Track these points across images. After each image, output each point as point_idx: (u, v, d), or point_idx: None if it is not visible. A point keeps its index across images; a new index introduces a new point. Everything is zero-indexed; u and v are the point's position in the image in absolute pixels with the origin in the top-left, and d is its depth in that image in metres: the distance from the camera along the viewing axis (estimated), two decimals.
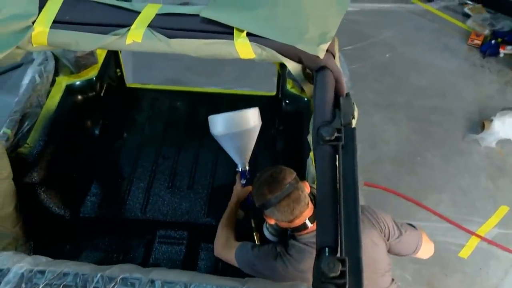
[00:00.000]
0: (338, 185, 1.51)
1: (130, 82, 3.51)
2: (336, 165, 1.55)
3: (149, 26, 1.84)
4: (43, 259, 1.63)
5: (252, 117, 2.38)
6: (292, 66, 1.83)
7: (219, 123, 2.36)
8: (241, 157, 2.44)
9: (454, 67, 5.06)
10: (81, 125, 2.97)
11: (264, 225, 2.17)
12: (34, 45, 1.87)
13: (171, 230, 2.72)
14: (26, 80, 2.75)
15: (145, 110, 3.27)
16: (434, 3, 5.90)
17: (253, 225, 2.36)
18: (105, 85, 3.05)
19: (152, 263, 2.62)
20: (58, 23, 1.85)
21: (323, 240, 1.40)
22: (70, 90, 2.86)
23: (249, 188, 2.38)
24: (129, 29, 1.82)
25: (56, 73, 2.86)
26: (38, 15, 1.86)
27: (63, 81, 2.87)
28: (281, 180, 1.92)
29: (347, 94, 1.80)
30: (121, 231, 2.77)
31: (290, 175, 1.95)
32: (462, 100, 4.70)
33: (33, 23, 1.84)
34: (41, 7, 1.88)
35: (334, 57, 1.88)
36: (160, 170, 2.94)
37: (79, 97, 2.91)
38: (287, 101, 3.06)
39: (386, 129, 4.39)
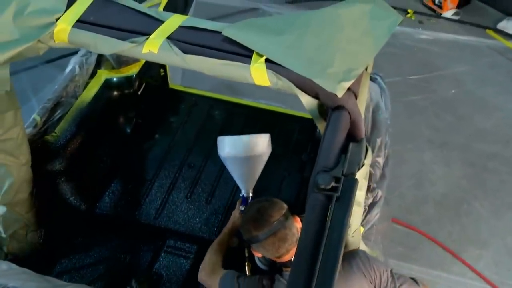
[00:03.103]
0: (323, 239, 1.38)
1: (179, 83, 3.50)
2: (325, 217, 1.42)
3: (169, 37, 1.78)
4: (3, 266, 1.60)
5: (260, 144, 2.28)
6: (306, 101, 1.70)
7: (226, 145, 2.30)
8: (245, 183, 2.36)
9: None
10: (113, 121, 2.99)
11: None
12: (56, 41, 1.86)
13: (181, 241, 2.67)
14: (68, 69, 2.80)
15: (182, 114, 3.24)
16: None
17: (246, 254, 2.26)
18: (144, 84, 3.04)
19: (155, 272, 2.58)
20: (81, 22, 1.83)
21: None
22: (107, 84, 2.88)
23: None
24: (147, 38, 1.77)
25: (98, 66, 2.89)
26: (65, 12, 1.86)
27: (103, 74, 2.90)
28: (267, 218, 1.87)
29: (361, 140, 1.65)
30: (133, 233, 2.74)
31: (279, 212, 1.89)
32: None
33: (57, 19, 1.84)
34: (69, 5, 1.88)
35: (356, 97, 1.73)
36: (183, 178, 2.90)
37: (115, 93, 2.93)
38: None
39: (436, 169, 4.12)
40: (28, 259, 2.49)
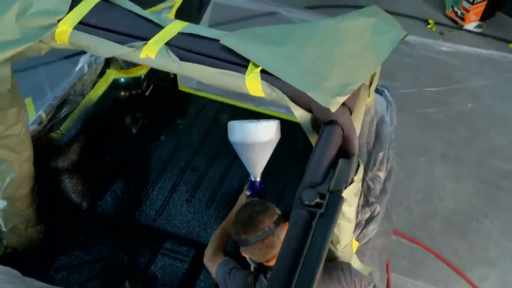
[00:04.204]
0: (302, 255, 1.37)
1: (195, 85, 3.49)
2: (307, 233, 1.41)
3: (168, 43, 1.79)
4: None
5: (269, 131, 2.31)
6: (299, 114, 1.69)
7: (235, 130, 2.34)
8: (253, 168, 2.40)
9: None
10: (119, 121, 3.00)
11: None
12: (57, 42, 1.88)
13: (178, 244, 2.68)
14: (77, 68, 2.83)
15: (189, 116, 3.24)
16: None
17: None
18: (152, 85, 3.05)
19: (150, 274, 2.59)
20: (83, 24, 1.85)
21: None
22: (115, 85, 2.90)
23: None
24: (145, 43, 1.78)
25: (107, 66, 2.91)
26: (67, 14, 1.87)
27: (111, 74, 2.92)
28: (257, 224, 1.89)
29: (351, 157, 1.62)
30: (132, 233, 2.76)
31: (270, 218, 1.91)
32: None
33: (59, 21, 1.85)
34: (72, 7, 1.89)
35: (351, 112, 1.71)
36: (185, 181, 2.91)
37: (123, 93, 2.95)
38: None
39: (446, 184, 4.05)
40: (28, 253, 2.53)
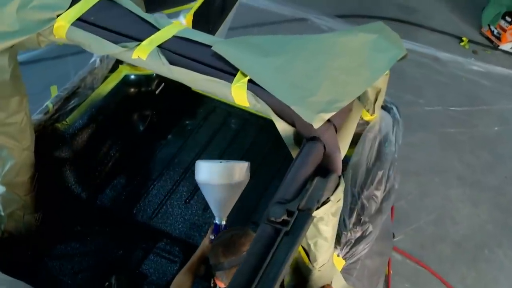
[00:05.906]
0: (259, 273, 1.34)
1: None
2: (268, 252, 1.37)
3: (160, 46, 1.79)
4: None
5: (237, 173, 2.20)
6: (282, 127, 1.66)
7: (203, 171, 2.23)
8: (219, 210, 2.26)
9: None
10: (127, 117, 3.03)
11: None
12: (56, 37, 1.91)
13: (171, 245, 2.67)
14: (90, 61, 2.88)
15: (198, 118, 3.24)
16: None
17: (212, 284, 2.16)
18: (163, 84, 3.07)
19: (140, 271, 2.60)
20: (81, 21, 1.87)
21: None
22: (125, 81, 2.93)
23: None
24: (138, 44, 1.79)
25: (120, 61, 2.94)
26: (67, 10, 1.90)
27: (124, 70, 2.95)
28: (238, 247, 1.84)
29: (330, 175, 1.58)
30: (127, 230, 2.77)
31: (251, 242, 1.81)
32: None
33: (58, 16, 1.88)
34: (74, 3, 1.92)
35: (336, 130, 1.67)
36: (185, 183, 2.91)
37: (133, 89, 2.97)
38: None
39: (461, 208, 3.92)
40: (24, 240, 2.58)
